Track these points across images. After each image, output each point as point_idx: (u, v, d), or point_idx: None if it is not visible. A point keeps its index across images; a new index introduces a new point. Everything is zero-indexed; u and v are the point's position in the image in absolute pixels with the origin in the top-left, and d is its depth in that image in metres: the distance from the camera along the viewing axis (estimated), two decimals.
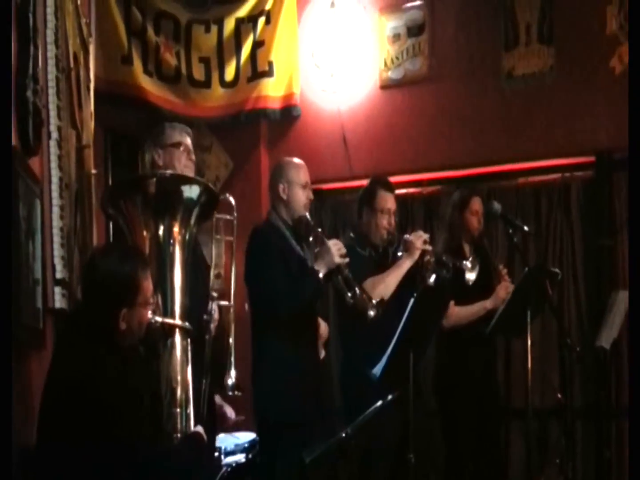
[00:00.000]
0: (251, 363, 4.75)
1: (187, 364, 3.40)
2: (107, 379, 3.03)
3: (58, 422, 3.05)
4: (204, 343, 4.04)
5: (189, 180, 3.57)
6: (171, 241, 3.41)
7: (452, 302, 5.28)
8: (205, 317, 4.07)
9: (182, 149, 4.25)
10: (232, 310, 4.32)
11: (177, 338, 3.38)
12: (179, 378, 3.36)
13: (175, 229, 3.42)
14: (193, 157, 4.31)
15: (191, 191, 3.49)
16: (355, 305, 4.61)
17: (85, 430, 2.97)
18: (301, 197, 4.79)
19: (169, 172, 3.81)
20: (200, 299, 4.09)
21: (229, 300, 4.25)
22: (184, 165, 4.24)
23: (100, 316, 3.14)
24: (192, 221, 3.48)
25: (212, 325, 4.14)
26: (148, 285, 3.21)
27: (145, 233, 3.39)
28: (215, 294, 4.23)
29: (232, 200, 4.37)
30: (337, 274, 4.62)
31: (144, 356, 3.35)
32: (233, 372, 4.20)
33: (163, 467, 3.12)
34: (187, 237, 3.46)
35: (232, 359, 4.22)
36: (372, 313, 4.55)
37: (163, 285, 3.39)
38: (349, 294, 4.59)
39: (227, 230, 4.45)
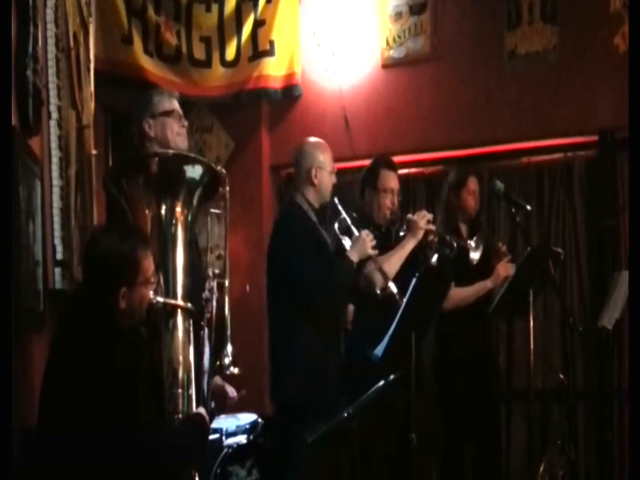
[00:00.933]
0: (269, 347, 4.76)
1: (189, 345, 3.38)
2: (109, 360, 3.02)
3: (59, 404, 3.04)
4: (204, 322, 4.02)
5: (191, 160, 3.52)
6: (173, 221, 3.38)
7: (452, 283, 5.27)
8: (204, 295, 4.05)
9: (174, 115, 4.14)
10: (227, 287, 4.29)
11: (179, 318, 3.35)
12: (180, 359, 3.34)
13: (178, 209, 3.39)
14: (185, 122, 4.18)
15: (194, 171, 3.45)
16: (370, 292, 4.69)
17: (86, 411, 2.97)
18: (329, 183, 4.80)
19: (171, 151, 3.75)
20: (196, 278, 4.07)
21: (224, 277, 4.20)
22: (177, 133, 4.09)
23: (100, 295, 3.13)
24: (195, 201, 3.44)
25: (213, 304, 4.12)
26: (148, 264, 3.19)
27: (147, 212, 3.35)
28: (211, 273, 4.19)
29: (223, 172, 4.29)
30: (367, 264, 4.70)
31: (145, 337, 3.33)
32: (230, 349, 4.18)
33: (164, 448, 3.12)
34: (189, 217, 3.43)
35: (228, 335, 4.20)
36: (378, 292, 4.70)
37: (165, 265, 3.36)
38: (379, 286, 4.70)
39: (219, 204, 4.41)
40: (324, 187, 4.80)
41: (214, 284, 4.13)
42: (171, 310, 3.34)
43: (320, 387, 4.56)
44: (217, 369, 4.19)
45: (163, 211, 3.38)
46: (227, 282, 4.20)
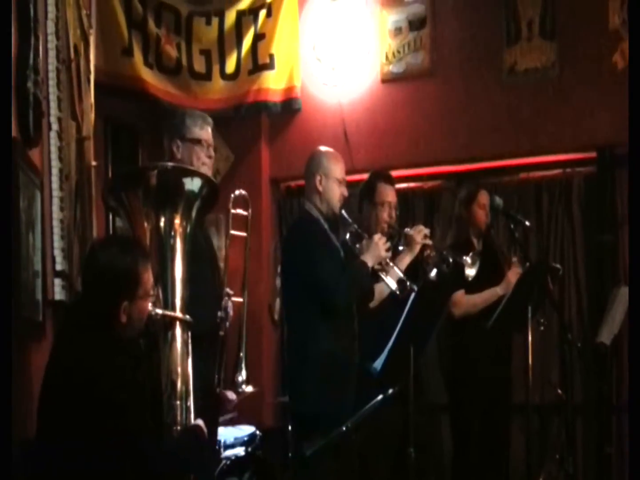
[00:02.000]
0: (287, 355, 4.78)
1: (187, 357, 3.38)
2: (108, 371, 3.01)
3: (57, 414, 3.04)
4: (218, 339, 4.04)
5: (190, 173, 3.53)
6: (172, 233, 3.38)
7: (462, 291, 5.26)
8: (220, 314, 4.06)
9: (202, 144, 4.18)
10: (244, 306, 4.33)
11: (178, 330, 3.35)
12: (179, 370, 3.34)
13: (177, 221, 3.39)
14: (212, 153, 4.23)
15: (192, 184, 3.46)
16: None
17: (85, 422, 2.96)
18: (336, 192, 4.80)
19: (170, 164, 3.76)
20: (214, 295, 4.08)
21: (240, 295, 4.25)
22: (202, 162, 4.15)
23: (101, 309, 3.12)
24: (194, 214, 3.45)
25: (227, 323, 4.14)
26: (148, 277, 3.19)
27: (146, 225, 3.36)
28: (230, 291, 4.22)
29: (245, 194, 4.36)
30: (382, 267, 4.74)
31: (144, 348, 3.33)
32: (244, 369, 4.20)
33: (162, 459, 3.11)
34: (188, 229, 3.43)
35: (243, 355, 4.22)
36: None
37: (164, 277, 3.36)
38: (395, 287, 4.72)
39: (239, 226, 4.47)
40: (330, 196, 4.79)
41: (230, 303, 4.16)
42: (169, 322, 3.33)
43: (341, 395, 4.55)
44: (232, 385, 4.21)
45: (162, 223, 3.38)
46: (245, 301, 4.24)
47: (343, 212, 4.84)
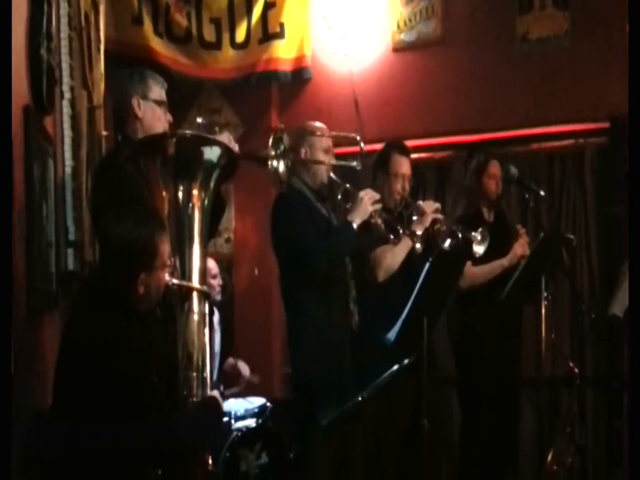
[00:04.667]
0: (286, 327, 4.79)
1: (204, 328, 3.34)
2: (123, 343, 2.99)
3: (73, 387, 3.01)
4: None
5: (210, 142, 3.47)
6: (190, 204, 3.34)
7: (468, 263, 5.23)
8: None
9: (164, 106, 4.05)
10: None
11: (195, 301, 3.32)
12: (195, 342, 3.30)
13: (195, 191, 3.34)
14: (170, 117, 4.14)
15: (212, 153, 3.41)
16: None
17: (100, 395, 2.94)
18: (323, 161, 4.76)
19: (189, 132, 3.67)
20: None
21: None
22: (162, 125, 4.01)
23: (118, 281, 3.09)
24: (212, 184, 3.40)
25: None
26: (165, 247, 3.15)
27: (164, 194, 3.31)
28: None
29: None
30: (374, 221, 4.67)
31: (161, 319, 3.30)
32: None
33: (179, 432, 3.09)
34: (206, 200, 3.39)
35: None
36: (418, 246, 4.74)
37: (181, 248, 3.32)
38: (392, 236, 4.68)
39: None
40: (316, 167, 4.77)
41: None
42: (186, 292, 3.30)
43: (333, 362, 4.55)
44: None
45: (180, 193, 3.33)
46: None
47: (331, 175, 4.78)
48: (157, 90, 4.03)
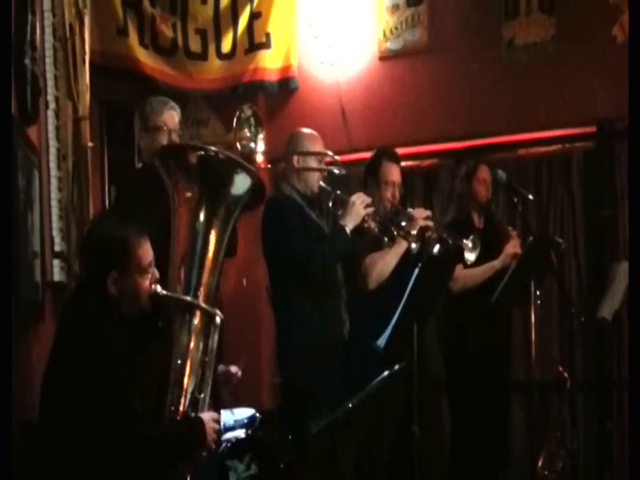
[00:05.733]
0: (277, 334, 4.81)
1: (202, 346, 3.25)
2: (102, 345, 2.99)
3: (55, 395, 3.02)
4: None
5: (244, 169, 3.36)
6: (208, 225, 3.30)
7: (460, 266, 5.23)
8: None
9: (163, 132, 4.12)
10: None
11: (195, 319, 3.27)
12: (188, 359, 3.24)
13: (218, 214, 3.31)
14: (176, 137, 4.16)
15: (244, 180, 3.35)
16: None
17: (79, 399, 2.94)
18: (314, 171, 4.77)
19: (223, 153, 3.45)
20: None
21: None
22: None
23: (91, 277, 3.13)
24: (236, 212, 3.40)
25: None
26: (143, 253, 3.15)
27: (186, 207, 3.30)
28: None
29: None
30: (367, 225, 4.69)
31: (159, 331, 3.28)
32: None
33: (151, 446, 3.06)
34: (228, 226, 3.36)
35: None
36: (414, 246, 4.76)
37: (191, 262, 3.29)
38: (386, 239, 4.73)
39: None
40: (308, 174, 4.77)
41: None
42: (186, 307, 3.27)
43: (324, 369, 4.54)
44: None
45: (202, 214, 3.30)
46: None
47: (321, 183, 4.79)
48: (153, 117, 4.17)
